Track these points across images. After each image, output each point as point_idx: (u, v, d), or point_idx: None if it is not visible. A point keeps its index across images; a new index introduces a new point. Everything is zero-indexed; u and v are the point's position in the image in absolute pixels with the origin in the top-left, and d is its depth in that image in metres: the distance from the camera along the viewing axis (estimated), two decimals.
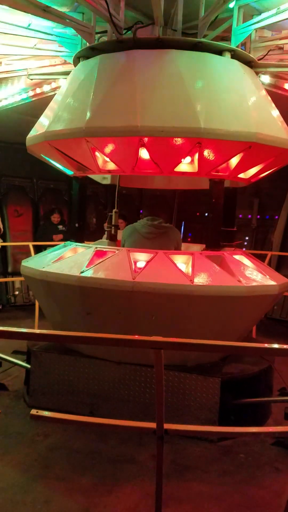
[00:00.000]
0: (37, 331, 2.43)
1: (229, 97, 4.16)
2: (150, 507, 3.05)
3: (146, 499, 3.18)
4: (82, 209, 5.29)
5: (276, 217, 9.43)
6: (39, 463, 3.61)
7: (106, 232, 5.61)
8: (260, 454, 3.92)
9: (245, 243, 9.76)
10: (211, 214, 4.57)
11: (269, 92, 4.90)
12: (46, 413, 2.50)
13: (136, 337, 2.14)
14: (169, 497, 3.20)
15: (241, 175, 4.72)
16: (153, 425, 2.34)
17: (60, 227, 9.11)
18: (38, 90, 6.36)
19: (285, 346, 2.16)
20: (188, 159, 4.22)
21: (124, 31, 4.51)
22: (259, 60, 4.81)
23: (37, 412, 2.46)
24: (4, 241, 8.96)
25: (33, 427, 4.11)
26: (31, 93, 6.42)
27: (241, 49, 4.68)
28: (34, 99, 6.49)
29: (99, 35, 4.92)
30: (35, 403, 4.47)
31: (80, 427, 4.10)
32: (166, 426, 2.32)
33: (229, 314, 4.19)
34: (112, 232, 5.55)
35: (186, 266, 4.24)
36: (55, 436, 4.01)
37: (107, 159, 4.37)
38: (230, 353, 4.40)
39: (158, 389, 2.24)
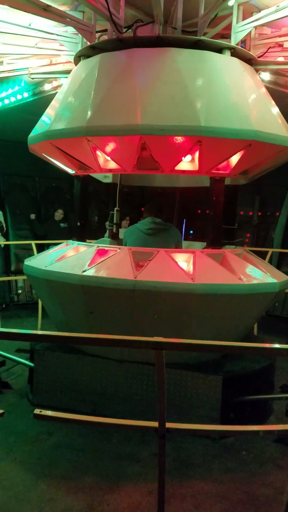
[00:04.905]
0: (40, 332, 2.45)
1: (229, 95, 4.16)
2: (152, 504, 3.08)
3: (149, 497, 3.21)
4: (84, 207, 5.29)
5: (277, 213, 9.41)
6: (43, 462, 3.64)
7: (108, 231, 5.62)
8: (262, 451, 3.94)
9: (246, 240, 9.75)
10: (212, 212, 4.58)
11: (269, 90, 4.89)
12: (49, 413, 2.52)
13: (138, 337, 2.16)
14: (171, 495, 3.23)
15: (242, 173, 4.72)
16: (155, 424, 2.36)
17: (62, 224, 9.13)
18: (39, 89, 6.37)
19: (286, 346, 2.18)
20: (188, 157, 4.22)
21: (124, 30, 4.51)
22: (259, 57, 4.82)
23: (40, 411, 2.48)
24: (7, 239, 8.97)
25: (36, 426, 4.14)
26: (32, 92, 6.44)
27: (241, 46, 4.67)
28: (35, 98, 6.50)
29: (99, 33, 4.92)
30: (39, 402, 4.51)
31: (84, 426, 4.12)
32: (168, 425, 2.34)
33: (230, 312, 4.20)
34: (114, 230, 5.56)
35: (187, 264, 4.25)
36: (58, 435, 4.04)
37: (108, 158, 4.38)
38: (231, 352, 4.41)
39: (159, 389, 2.25)
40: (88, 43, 4.65)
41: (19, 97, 6.51)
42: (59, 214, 9.11)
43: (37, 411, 2.48)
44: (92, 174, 5.46)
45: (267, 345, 2.27)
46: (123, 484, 3.38)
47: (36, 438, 3.99)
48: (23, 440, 3.95)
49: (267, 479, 3.53)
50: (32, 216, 9.19)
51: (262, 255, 6.35)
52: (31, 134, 4.82)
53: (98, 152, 4.36)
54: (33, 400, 4.62)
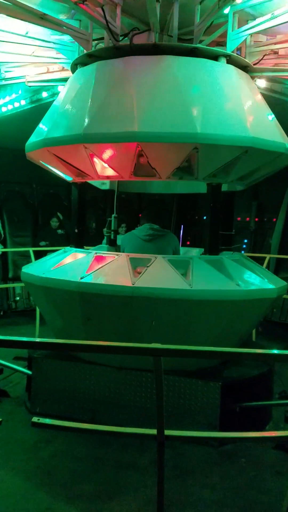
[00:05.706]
0: (38, 339, 2.44)
1: (225, 102, 4.19)
2: None
3: (148, 505, 3.19)
4: (81, 214, 5.30)
5: (274, 219, 9.44)
6: (41, 470, 3.61)
7: (105, 237, 5.63)
8: (261, 458, 3.92)
9: (244, 246, 9.77)
10: (209, 218, 4.59)
11: (265, 96, 4.92)
12: (47, 421, 2.51)
13: (136, 344, 2.15)
14: (171, 502, 3.21)
15: (238, 179, 4.74)
16: (154, 431, 2.35)
17: (59, 231, 9.13)
18: (36, 97, 6.40)
19: (284, 352, 2.18)
20: (185, 164, 4.23)
21: (120, 38, 4.53)
22: (254, 64, 4.85)
23: (38, 419, 2.47)
24: (5, 247, 8.97)
25: (34, 434, 4.11)
26: (29, 100, 6.47)
27: (237, 54, 4.70)
28: (32, 105, 6.53)
29: (96, 41, 4.95)
30: (37, 410, 4.48)
31: (82, 434, 4.10)
32: (167, 432, 2.33)
33: (228, 318, 4.20)
34: (112, 237, 5.57)
35: (185, 270, 4.25)
36: (56, 443, 4.01)
37: (105, 165, 4.39)
38: (230, 358, 4.41)
39: (158, 396, 2.25)
40: (85, 51, 4.68)
41: (16, 104, 6.54)
42: (54, 223, 9.11)
43: (35, 419, 2.47)
44: (90, 181, 5.47)
45: (266, 351, 2.27)
46: (122, 492, 3.36)
47: (34, 446, 3.96)
48: (21, 448, 3.92)
49: (266, 486, 3.51)
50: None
51: (260, 261, 6.36)
52: (29, 142, 4.83)
53: (95, 159, 4.37)
54: (31, 408, 4.59)
